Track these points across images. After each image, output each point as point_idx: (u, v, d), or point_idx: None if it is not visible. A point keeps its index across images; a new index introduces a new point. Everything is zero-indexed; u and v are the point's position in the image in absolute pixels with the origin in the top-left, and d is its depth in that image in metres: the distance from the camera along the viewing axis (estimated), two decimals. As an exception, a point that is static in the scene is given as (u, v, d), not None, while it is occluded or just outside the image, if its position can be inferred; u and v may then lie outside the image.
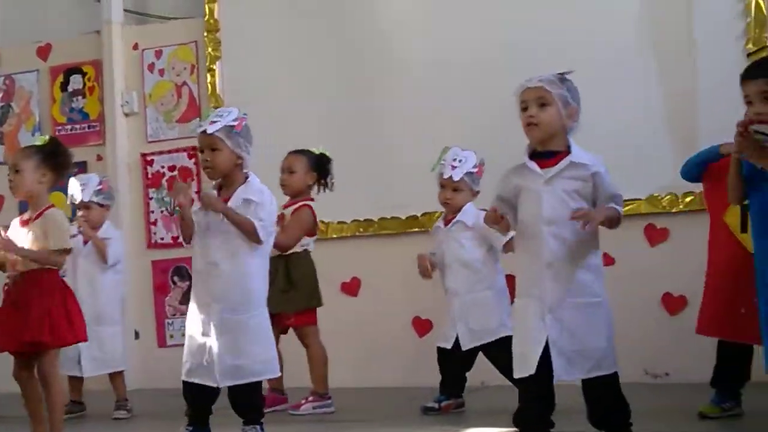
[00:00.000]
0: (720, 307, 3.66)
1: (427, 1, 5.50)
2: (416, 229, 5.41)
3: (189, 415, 3.62)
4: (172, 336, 5.94)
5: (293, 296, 4.51)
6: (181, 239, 3.70)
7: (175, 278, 5.97)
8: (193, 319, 3.60)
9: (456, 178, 4.26)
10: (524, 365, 3.04)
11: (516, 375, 3.09)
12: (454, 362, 4.32)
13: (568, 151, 3.13)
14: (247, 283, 3.57)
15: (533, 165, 3.12)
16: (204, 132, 3.53)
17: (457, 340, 4.27)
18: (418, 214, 5.40)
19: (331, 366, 4.66)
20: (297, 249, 4.53)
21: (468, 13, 5.32)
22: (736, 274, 3.60)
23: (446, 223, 4.37)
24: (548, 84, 3.10)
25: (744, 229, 3.58)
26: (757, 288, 3.14)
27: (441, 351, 4.39)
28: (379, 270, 5.52)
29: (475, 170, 4.29)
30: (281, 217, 4.42)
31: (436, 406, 4.28)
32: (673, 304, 4.81)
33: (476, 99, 5.12)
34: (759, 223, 3.12)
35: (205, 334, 3.54)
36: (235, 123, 3.55)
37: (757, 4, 4.68)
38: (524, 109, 3.14)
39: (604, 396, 3.08)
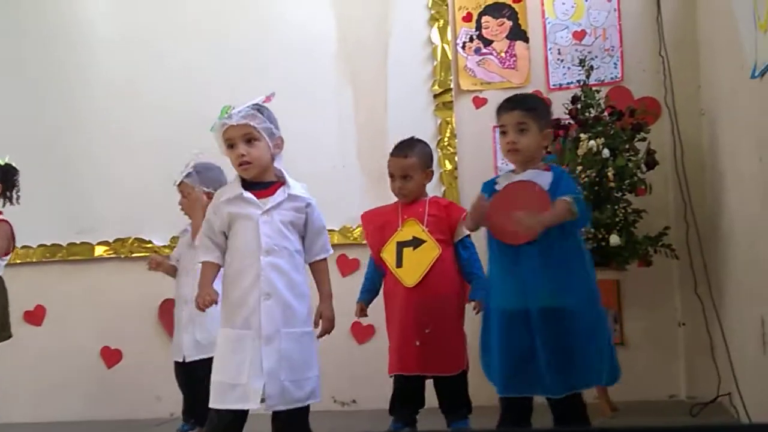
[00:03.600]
0: (399, 344, 3.74)
1: (129, 19, 5.32)
2: (107, 256, 5.21)
3: None
4: None
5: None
6: None
7: None
8: None
9: (177, 182, 4.23)
10: (240, 396, 3.02)
11: (223, 405, 3.05)
12: (191, 380, 4.15)
13: (281, 182, 3.18)
14: None
15: (250, 196, 3.12)
16: None
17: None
18: (110, 240, 5.21)
19: (10, 400, 4.37)
20: (-3, 273, 4.25)
21: (162, 34, 5.24)
22: (404, 309, 3.72)
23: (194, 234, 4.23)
24: (251, 119, 3.12)
25: (399, 264, 3.76)
26: (488, 316, 3.27)
27: (175, 366, 4.24)
28: (66, 298, 5.26)
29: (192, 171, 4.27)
30: None
31: None
32: (361, 333, 4.94)
33: (174, 122, 5.04)
34: (497, 257, 3.25)
35: None
36: None
37: (443, 50, 4.97)
38: (231, 146, 3.13)
39: (298, 423, 3.14)
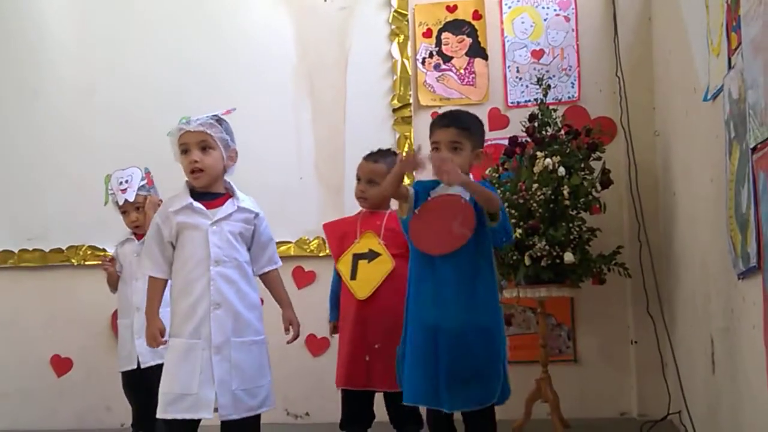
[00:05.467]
0: (348, 357, 3.72)
1: (87, 24, 5.25)
2: (60, 263, 5.15)
3: None
4: None
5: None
6: None
7: None
8: None
9: (132, 199, 4.16)
10: (192, 406, 3.02)
11: (171, 415, 3.04)
12: (145, 388, 4.00)
13: (229, 194, 3.19)
14: None
15: (200, 206, 3.14)
16: None
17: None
18: (63, 247, 5.14)
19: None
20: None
21: (120, 42, 5.20)
22: (355, 322, 3.71)
23: (139, 237, 4.17)
24: (209, 128, 3.15)
25: (353, 276, 3.76)
26: (407, 318, 3.28)
27: (126, 376, 4.17)
28: (17, 306, 5.17)
29: (145, 182, 4.21)
30: None
31: None
32: (316, 346, 4.93)
33: (130, 130, 5.00)
34: (416, 270, 3.27)
35: None
36: None
37: (402, 65, 4.99)
38: (185, 152, 3.14)
39: None
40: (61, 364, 5.13)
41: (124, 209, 4.20)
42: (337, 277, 3.88)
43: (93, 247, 5.10)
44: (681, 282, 4.00)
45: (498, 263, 4.21)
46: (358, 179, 3.85)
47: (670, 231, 4.27)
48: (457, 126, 3.22)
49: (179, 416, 3.03)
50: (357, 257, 3.76)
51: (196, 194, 3.20)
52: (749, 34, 2.40)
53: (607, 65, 4.80)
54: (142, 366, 4.08)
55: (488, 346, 3.13)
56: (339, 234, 3.88)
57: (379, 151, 3.93)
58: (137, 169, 4.23)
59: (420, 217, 3.22)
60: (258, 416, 3.19)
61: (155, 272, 3.19)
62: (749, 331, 2.58)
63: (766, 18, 2.21)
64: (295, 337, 3.36)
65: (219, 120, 3.21)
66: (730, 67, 2.72)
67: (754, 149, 2.39)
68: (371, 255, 3.73)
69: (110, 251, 4.92)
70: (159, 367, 3.84)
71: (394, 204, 3.85)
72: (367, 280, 3.71)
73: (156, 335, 3.11)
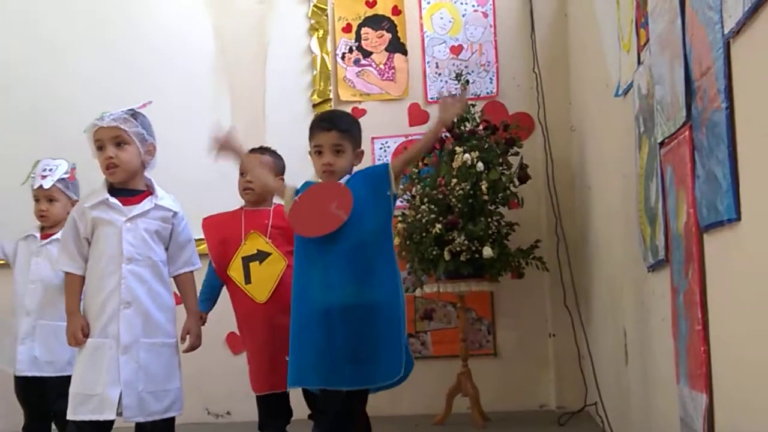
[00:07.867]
0: (268, 363, 3.63)
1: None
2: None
3: None
4: None
5: None
6: None
7: None
8: None
9: (47, 186, 3.94)
10: (96, 407, 2.93)
11: (78, 416, 2.95)
12: (32, 392, 3.84)
13: (149, 191, 3.13)
14: None
15: (115, 202, 3.07)
16: None
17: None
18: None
19: None
20: None
21: (33, 39, 5.09)
22: (263, 327, 3.63)
23: (43, 237, 3.96)
24: (122, 123, 3.08)
25: (248, 281, 3.69)
26: (293, 305, 3.22)
27: (16, 380, 3.90)
28: None
29: (67, 176, 4.06)
30: None
31: None
32: (237, 343, 4.87)
33: (45, 128, 4.89)
34: (303, 252, 3.22)
35: None
36: None
37: (322, 59, 4.97)
38: (100, 148, 3.08)
39: None
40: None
41: (37, 196, 4.02)
42: (212, 272, 3.78)
43: None
44: (596, 275, 4.06)
45: (418, 259, 4.24)
46: (243, 173, 3.76)
47: (585, 225, 4.33)
48: (339, 129, 3.19)
49: (84, 418, 2.95)
50: (247, 260, 3.67)
51: (114, 191, 3.12)
52: (656, 30, 2.44)
53: (525, 61, 4.85)
54: (17, 374, 3.85)
55: (385, 325, 3.08)
56: (221, 237, 3.74)
57: (261, 147, 3.90)
58: (65, 162, 4.08)
59: (299, 202, 3.21)
60: (172, 419, 3.11)
61: (71, 268, 3.09)
62: (659, 324, 2.63)
63: (671, 14, 2.25)
64: (192, 347, 3.25)
65: (134, 114, 3.13)
66: (639, 62, 2.76)
67: (661, 144, 2.44)
68: (261, 255, 3.65)
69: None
70: (35, 380, 3.76)
71: (277, 198, 3.80)
72: (262, 282, 3.63)
73: (77, 332, 2.99)
